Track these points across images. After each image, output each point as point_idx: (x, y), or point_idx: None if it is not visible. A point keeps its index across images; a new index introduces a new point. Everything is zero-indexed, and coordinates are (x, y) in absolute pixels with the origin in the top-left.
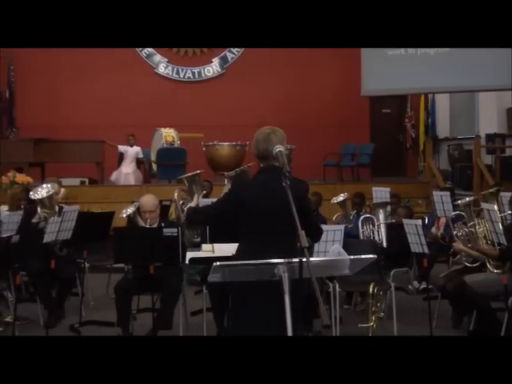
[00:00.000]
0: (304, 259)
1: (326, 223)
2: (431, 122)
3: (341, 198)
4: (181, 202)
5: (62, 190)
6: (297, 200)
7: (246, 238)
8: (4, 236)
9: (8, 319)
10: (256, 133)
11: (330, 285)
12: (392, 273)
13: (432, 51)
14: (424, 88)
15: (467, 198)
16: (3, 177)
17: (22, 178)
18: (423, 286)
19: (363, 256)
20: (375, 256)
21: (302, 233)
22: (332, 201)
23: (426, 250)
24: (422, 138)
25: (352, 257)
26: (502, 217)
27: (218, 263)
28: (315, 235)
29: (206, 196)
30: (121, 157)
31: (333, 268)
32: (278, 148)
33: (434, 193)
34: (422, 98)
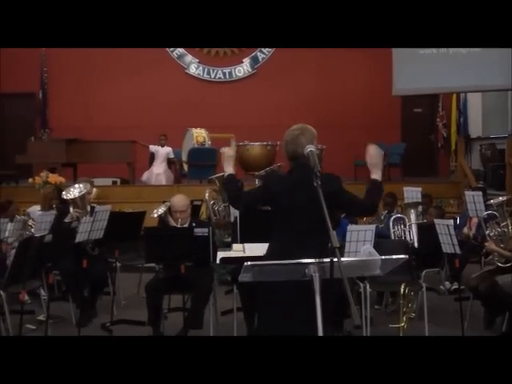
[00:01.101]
0: (335, 259)
1: (356, 223)
2: (463, 121)
3: None
4: (212, 202)
5: (94, 189)
6: (332, 195)
7: (276, 236)
8: (37, 235)
9: (41, 317)
10: (285, 133)
11: (361, 285)
12: (423, 273)
13: (464, 50)
14: (456, 87)
15: (500, 198)
16: (36, 177)
17: (54, 178)
18: (455, 286)
19: (394, 256)
20: (406, 256)
21: (332, 233)
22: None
23: (458, 251)
24: (453, 138)
25: (383, 257)
26: None
27: (248, 263)
28: (368, 209)
29: None
30: (152, 157)
31: (364, 268)
32: (310, 148)
33: (466, 193)
34: (454, 97)
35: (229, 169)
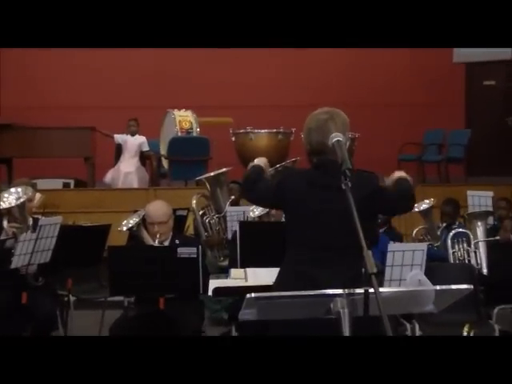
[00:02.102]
0: (371, 290)
1: (401, 240)
2: None
3: (424, 205)
4: (201, 212)
5: (38, 195)
6: (367, 199)
7: (290, 256)
8: None
9: None
10: (307, 119)
11: (408, 326)
12: (495, 311)
13: None
14: None
15: None
16: None
17: None
18: None
19: (454, 286)
20: (471, 286)
21: (368, 253)
22: (413, 209)
23: None
24: None
25: (438, 287)
26: None
27: (252, 295)
28: (405, 205)
29: (234, 203)
30: (118, 150)
31: (411, 302)
32: (336, 137)
33: None
34: None
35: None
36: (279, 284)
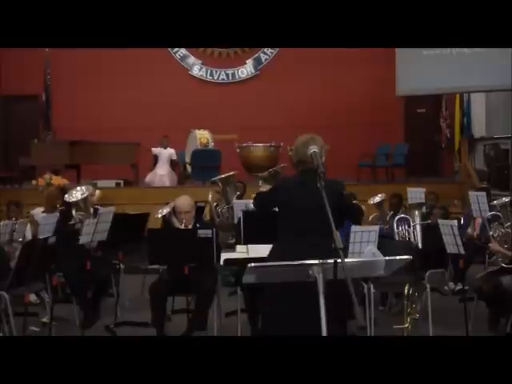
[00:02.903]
0: (339, 260)
1: (360, 224)
2: (467, 122)
3: (378, 198)
4: (215, 204)
5: (97, 191)
6: (335, 198)
7: (280, 237)
8: (41, 237)
9: (45, 320)
10: (296, 140)
11: (365, 286)
12: (427, 274)
13: (467, 50)
14: (459, 87)
15: (504, 199)
16: (39, 179)
17: (58, 180)
18: (459, 287)
19: (398, 257)
20: (410, 257)
21: (336, 234)
22: (369, 202)
23: (462, 251)
24: (457, 138)
25: (387, 258)
26: None
27: (252, 264)
28: (358, 218)
29: (239, 197)
30: (155, 159)
31: (368, 269)
32: (313, 149)
33: (470, 193)
34: (458, 97)
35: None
36: (271, 256)
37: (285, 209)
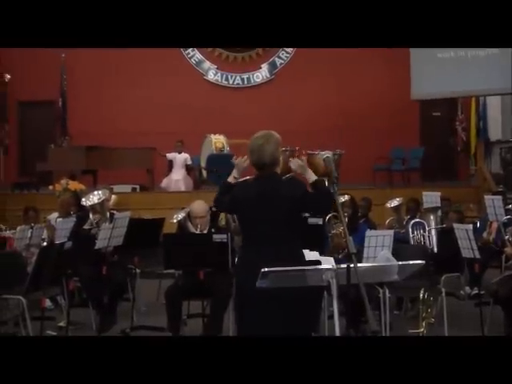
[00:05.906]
0: (352, 265)
1: (375, 229)
2: (482, 125)
3: (395, 202)
4: None
5: (113, 196)
6: (301, 199)
7: (243, 245)
8: (57, 242)
9: (61, 324)
10: (250, 141)
11: (380, 290)
12: (443, 278)
13: (482, 53)
14: (475, 90)
15: None
16: (56, 184)
17: (74, 185)
18: (475, 291)
19: (411, 262)
20: (423, 262)
21: (349, 238)
22: (386, 205)
23: (478, 255)
24: (473, 141)
25: (400, 263)
26: None
27: (266, 269)
28: (326, 207)
29: None
30: (170, 163)
31: (381, 274)
32: (326, 155)
33: (486, 197)
34: (473, 100)
35: (231, 178)
36: (238, 263)
37: (243, 218)
